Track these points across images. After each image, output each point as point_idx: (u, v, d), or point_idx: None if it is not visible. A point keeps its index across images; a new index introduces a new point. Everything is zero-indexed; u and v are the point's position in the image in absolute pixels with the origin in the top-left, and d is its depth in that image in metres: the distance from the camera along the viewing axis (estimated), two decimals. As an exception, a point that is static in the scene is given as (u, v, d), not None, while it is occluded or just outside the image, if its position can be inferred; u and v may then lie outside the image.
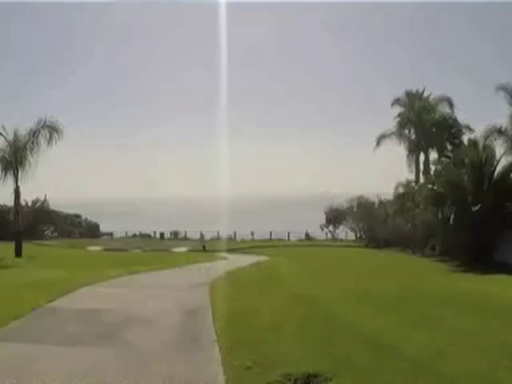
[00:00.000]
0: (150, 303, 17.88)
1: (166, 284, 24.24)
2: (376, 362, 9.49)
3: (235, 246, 60.21)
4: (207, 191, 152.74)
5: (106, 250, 56.35)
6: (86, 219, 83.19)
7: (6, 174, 40.38)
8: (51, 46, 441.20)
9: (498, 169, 35.79)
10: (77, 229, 78.31)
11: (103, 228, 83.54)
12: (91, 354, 10.92)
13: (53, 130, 40.25)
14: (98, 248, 57.99)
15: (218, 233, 71.90)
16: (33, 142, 40.18)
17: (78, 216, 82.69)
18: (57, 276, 23.03)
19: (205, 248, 56.20)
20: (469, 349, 10.44)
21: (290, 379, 8.74)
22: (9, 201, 44.12)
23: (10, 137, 40.36)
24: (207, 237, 72.73)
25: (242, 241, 68.76)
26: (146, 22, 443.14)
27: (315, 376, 8.80)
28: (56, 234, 75.55)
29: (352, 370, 9.09)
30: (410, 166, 54.28)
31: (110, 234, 79.89)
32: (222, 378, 9.20)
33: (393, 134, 55.21)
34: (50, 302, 16.80)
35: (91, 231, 78.93)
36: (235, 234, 71.59)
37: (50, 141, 40.31)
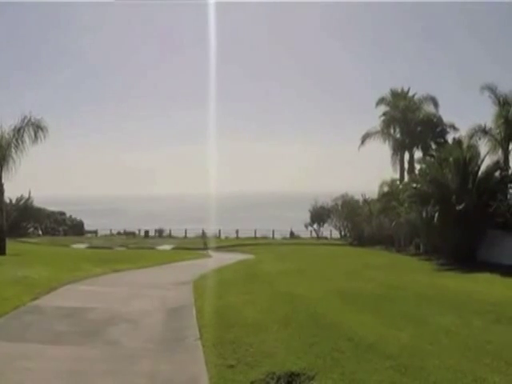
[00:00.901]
0: (133, 301, 17.91)
1: (150, 282, 24.25)
2: (359, 361, 9.51)
3: (220, 243, 60.16)
4: (201, 190, 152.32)
5: (90, 247, 56.15)
6: (71, 217, 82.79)
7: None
8: (34, 43, 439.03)
9: (483, 168, 35.85)
10: (61, 226, 77.80)
11: (87, 226, 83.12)
12: (75, 352, 10.91)
13: (37, 127, 39.94)
14: (82, 246, 57.77)
15: (202, 230, 71.93)
16: (17, 140, 39.84)
17: (62, 213, 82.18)
18: (41, 274, 22.87)
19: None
20: (452, 347, 10.49)
21: (273, 378, 8.76)
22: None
23: (-6, 134, 39.97)
24: (190, 234, 72.75)
25: (227, 239, 68.71)
26: (135, 18, 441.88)
27: (298, 375, 8.83)
28: (40, 232, 75.11)
29: (335, 368, 9.12)
30: (394, 164, 54.34)
31: (95, 232, 79.53)
32: (205, 376, 9.21)
33: (378, 132, 55.19)
34: (33, 300, 16.76)
35: (76, 229, 78.48)
36: (220, 232, 71.50)
37: (34, 138, 40.02)
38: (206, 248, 53.52)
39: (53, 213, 79.40)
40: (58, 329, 13.04)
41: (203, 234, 64.88)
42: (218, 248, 54.11)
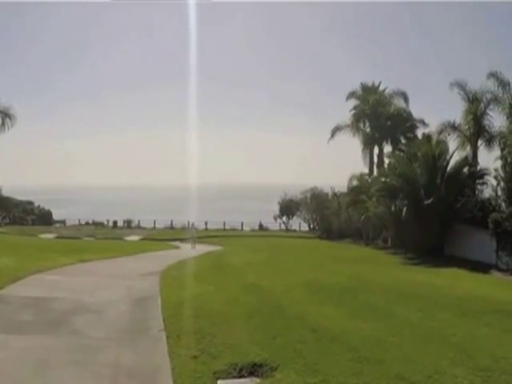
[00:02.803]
0: (100, 292, 17.80)
1: (117, 273, 24.09)
2: (321, 353, 9.55)
3: (188, 235, 59.84)
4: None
5: (58, 237, 55.67)
6: (39, 206, 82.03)
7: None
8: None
9: (451, 163, 36.26)
10: (29, 216, 77.03)
11: (56, 215, 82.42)
12: (40, 342, 10.85)
13: (5, 115, 39.50)
14: (50, 236, 57.24)
15: (171, 222, 71.81)
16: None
17: (30, 203, 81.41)
18: (6, 263, 22.64)
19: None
20: (414, 340, 10.56)
21: (235, 369, 8.79)
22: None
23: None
24: (159, 225, 72.52)
25: (196, 230, 68.47)
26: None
27: (261, 365, 8.86)
28: (8, 221, 74.36)
29: (297, 359, 9.16)
30: (364, 158, 54.50)
31: (63, 222, 78.93)
32: (168, 366, 9.21)
33: (348, 126, 55.30)
34: (-2, 289, 16.62)
35: (44, 218, 77.74)
36: (189, 223, 71.32)
37: (1, 126, 39.55)
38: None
39: (21, 202, 78.57)
40: (22, 318, 12.97)
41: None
42: (187, 239, 53.87)
